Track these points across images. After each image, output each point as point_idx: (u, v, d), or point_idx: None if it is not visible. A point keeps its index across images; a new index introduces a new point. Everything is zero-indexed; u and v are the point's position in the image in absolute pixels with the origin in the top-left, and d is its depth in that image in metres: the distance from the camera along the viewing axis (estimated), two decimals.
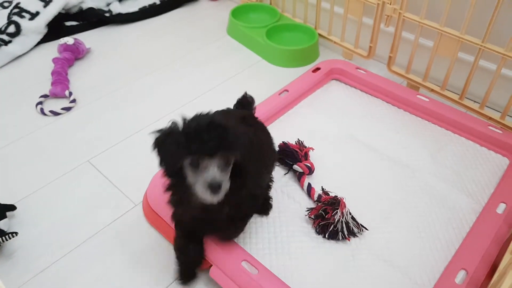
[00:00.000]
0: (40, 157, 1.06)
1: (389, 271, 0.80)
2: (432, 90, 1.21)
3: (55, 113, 1.17)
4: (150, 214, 0.90)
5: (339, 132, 1.11)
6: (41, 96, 1.21)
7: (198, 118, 0.64)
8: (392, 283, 0.79)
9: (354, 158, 1.04)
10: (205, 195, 0.62)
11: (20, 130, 1.13)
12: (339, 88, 1.28)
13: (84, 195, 0.97)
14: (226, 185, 0.63)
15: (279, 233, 0.86)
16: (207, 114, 0.66)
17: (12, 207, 0.90)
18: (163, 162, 0.64)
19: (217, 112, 0.78)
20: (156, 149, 0.64)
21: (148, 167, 0.88)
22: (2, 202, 0.90)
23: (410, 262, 0.82)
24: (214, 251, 0.78)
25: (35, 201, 0.95)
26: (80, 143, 1.10)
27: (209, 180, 0.61)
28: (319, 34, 1.45)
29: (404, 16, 1.16)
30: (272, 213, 0.91)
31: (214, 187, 0.61)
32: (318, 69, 1.28)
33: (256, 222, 0.88)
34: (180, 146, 0.61)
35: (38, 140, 1.11)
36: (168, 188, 0.71)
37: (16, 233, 0.83)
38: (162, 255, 0.85)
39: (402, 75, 1.26)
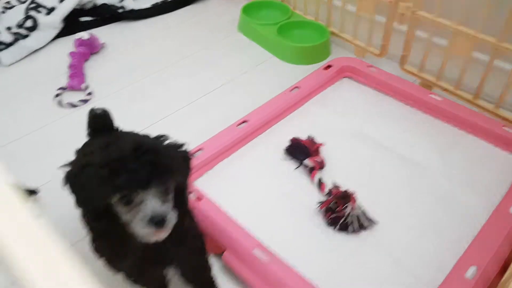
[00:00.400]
0: (58, 146, 1.09)
1: (396, 269, 0.81)
2: (446, 90, 1.21)
3: (72, 105, 1.20)
4: None
5: (350, 130, 1.12)
6: (59, 89, 1.24)
7: (119, 142, 0.53)
8: (399, 281, 0.79)
9: (365, 155, 1.05)
10: (148, 234, 0.52)
11: (39, 121, 1.16)
12: (350, 86, 1.29)
13: None
14: (172, 216, 0.53)
15: (291, 223, 0.88)
16: (127, 135, 0.58)
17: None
18: (82, 203, 0.54)
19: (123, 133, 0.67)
20: (69, 187, 0.54)
21: None
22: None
23: (417, 259, 0.82)
24: (227, 237, 0.80)
25: (56, 187, 0.97)
26: None
27: (150, 214, 0.50)
28: (331, 32, 1.46)
29: (417, 14, 1.17)
30: (283, 204, 0.92)
31: (158, 222, 0.51)
32: (329, 66, 1.29)
33: (267, 214, 0.90)
34: (102, 181, 0.50)
35: (56, 130, 1.13)
36: (96, 235, 0.60)
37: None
38: None
39: (415, 74, 1.27)
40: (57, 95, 1.21)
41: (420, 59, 1.23)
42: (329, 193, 0.91)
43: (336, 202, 0.87)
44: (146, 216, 0.50)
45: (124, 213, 0.52)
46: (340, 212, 0.86)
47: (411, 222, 0.89)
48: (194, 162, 0.95)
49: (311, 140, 1.03)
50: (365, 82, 1.28)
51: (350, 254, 0.83)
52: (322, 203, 0.89)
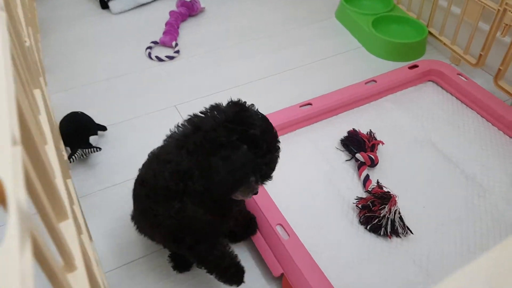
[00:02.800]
0: (138, 93, 1.20)
1: (421, 278, 0.78)
2: None
3: (160, 59, 1.30)
4: None
5: (418, 135, 1.07)
6: (152, 42, 1.36)
7: (249, 118, 0.60)
8: None
9: (425, 163, 1.00)
10: (252, 191, 0.65)
11: (128, 67, 1.28)
12: (433, 90, 1.21)
13: (163, 133, 1.08)
14: None
15: (322, 210, 0.88)
16: (245, 111, 0.61)
17: (103, 128, 1.05)
18: (230, 185, 0.60)
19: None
20: (222, 165, 0.57)
21: None
22: (97, 122, 1.05)
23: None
24: (253, 210, 0.83)
25: (124, 128, 1.09)
26: (173, 89, 1.22)
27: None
28: (430, 32, 1.38)
29: None
30: (323, 192, 0.92)
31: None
32: (415, 66, 1.23)
33: (304, 196, 0.91)
34: (248, 161, 0.58)
35: (140, 79, 1.25)
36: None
37: (100, 149, 0.98)
38: None
39: (509, 92, 1.15)
40: (148, 48, 1.33)
41: None
42: (371, 191, 0.89)
43: (374, 201, 0.85)
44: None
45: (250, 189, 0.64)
46: (375, 212, 0.84)
47: (453, 241, 0.84)
48: None
49: (370, 135, 1.01)
50: (450, 90, 1.20)
51: (374, 256, 0.81)
52: (360, 199, 0.88)
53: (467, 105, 1.15)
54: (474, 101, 1.14)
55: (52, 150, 0.46)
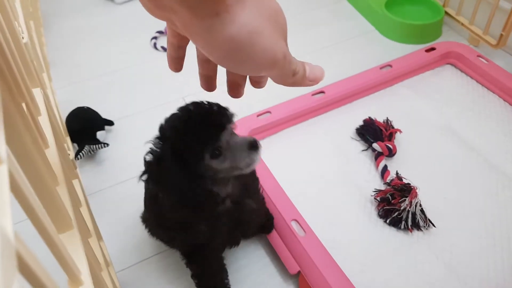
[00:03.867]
0: (145, 85, 1.17)
1: (444, 274, 0.74)
2: None
3: (165, 49, 1.26)
4: None
5: (437, 121, 1.02)
6: (157, 32, 1.32)
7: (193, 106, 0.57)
8: (442, 286, 0.73)
9: (445, 151, 0.95)
10: (252, 160, 0.56)
11: (133, 58, 1.25)
12: (452, 74, 1.16)
13: None
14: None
15: (339, 204, 0.85)
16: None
17: (110, 123, 1.02)
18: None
19: None
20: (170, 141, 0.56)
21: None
22: (103, 117, 1.02)
23: (472, 272, 0.74)
24: (268, 205, 0.80)
25: (131, 122, 1.06)
26: (179, 80, 1.18)
27: (247, 142, 0.55)
28: (446, 12, 1.32)
29: None
30: (338, 184, 0.89)
31: (255, 145, 0.55)
32: (432, 49, 1.17)
33: (319, 189, 0.87)
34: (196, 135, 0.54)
35: (146, 70, 1.21)
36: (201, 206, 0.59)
37: (108, 144, 0.95)
38: None
39: None
40: (153, 38, 1.29)
41: None
42: (390, 182, 0.85)
43: (393, 194, 0.81)
44: (245, 145, 0.55)
45: (219, 165, 0.56)
46: (395, 204, 0.80)
47: (477, 234, 0.80)
48: (259, 124, 0.96)
49: (387, 124, 0.97)
50: (470, 73, 1.14)
51: (394, 251, 0.78)
52: (379, 191, 0.84)
53: (488, 89, 1.09)
54: (496, 85, 1.08)
55: (55, 153, 0.43)
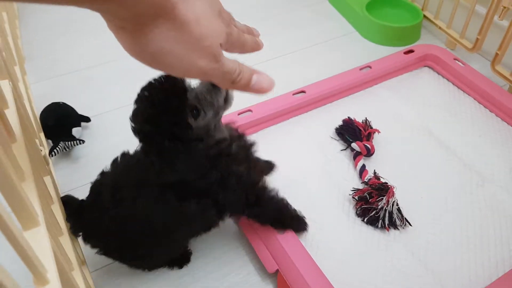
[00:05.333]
0: (123, 81, 1.15)
1: (420, 271, 0.75)
2: None
3: None
4: None
5: (414, 122, 1.04)
6: None
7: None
8: (420, 284, 0.74)
9: (422, 151, 0.97)
10: (223, 93, 0.59)
11: (112, 53, 1.22)
12: (429, 76, 1.18)
13: None
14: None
15: (318, 203, 0.85)
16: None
17: (87, 119, 1.00)
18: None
19: None
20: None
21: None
22: (80, 113, 0.99)
23: (447, 270, 0.75)
24: None
25: (108, 119, 1.04)
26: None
27: (204, 85, 0.58)
28: (424, 16, 1.34)
29: None
30: (318, 183, 0.89)
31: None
32: (411, 51, 1.19)
33: (298, 188, 0.87)
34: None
35: (126, 66, 1.19)
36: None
37: (83, 141, 0.93)
38: None
39: (506, 77, 1.12)
40: None
41: None
42: (368, 182, 0.86)
43: (371, 193, 0.82)
44: (208, 87, 0.57)
45: (207, 119, 0.58)
46: (373, 203, 0.81)
47: (452, 232, 0.81)
48: (240, 122, 0.95)
49: (366, 124, 0.97)
50: (446, 76, 1.16)
51: (371, 250, 0.78)
52: (357, 190, 0.85)
53: (464, 91, 1.11)
54: (471, 87, 1.10)
55: (22, 148, 0.41)
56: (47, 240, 0.36)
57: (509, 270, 0.74)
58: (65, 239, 0.54)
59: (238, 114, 0.97)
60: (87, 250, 0.77)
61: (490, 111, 1.06)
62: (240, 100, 0.98)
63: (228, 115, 0.97)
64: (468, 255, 0.78)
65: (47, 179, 0.57)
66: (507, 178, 0.91)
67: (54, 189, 0.62)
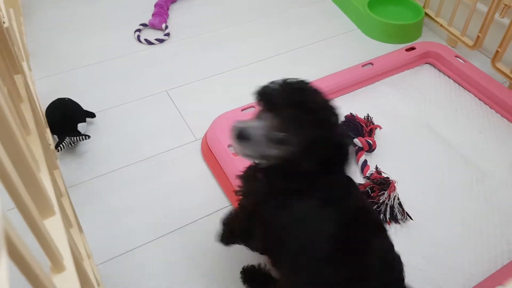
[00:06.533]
0: (127, 78, 1.16)
1: (421, 265, 0.77)
2: None
3: (149, 42, 1.26)
4: (206, 151, 0.95)
5: (415, 118, 1.05)
6: (141, 24, 1.31)
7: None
8: (420, 276, 0.75)
9: (423, 147, 0.98)
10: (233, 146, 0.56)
11: (116, 51, 1.23)
12: (431, 73, 1.19)
13: (154, 119, 1.05)
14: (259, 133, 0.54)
15: None
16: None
17: (92, 115, 1.01)
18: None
19: None
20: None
21: (217, 109, 0.97)
22: (85, 109, 1.01)
23: (448, 263, 0.77)
24: None
25: (113, 115, 1.05)
26: (163, 73, 1.18)
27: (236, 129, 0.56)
28: (426, 14, 1.35)
29: None
30: None
31: (239, 135, 0.55)
32: (412, 48, 1.20)
33: None
34: None
35: (129, 63, 1.20)
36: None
37: (89, 136, 0.94)
38: (208, 189, 0.90)
39: (507, 74, 1.13)
40: (137, 30, 1.28)
41: None
42: (369, 176, 0.87)
43: (373, 187, 0.83)
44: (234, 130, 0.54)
45: None
46: (374, 198, 0.82)
47: (452, 226, 0.83)
48: (243, 118, 0.96)
49: (367, 120, 0.98)
50: (447, 73, 1.17)
51: None
52: (359, 185, 0.86)
53: (465, 88, 1.13)
54: (472, 84, 1.12)
55: (37, 140, 0.43)
56: (62, 229, 0.37)
57: (508, 262, 0.75)
58: (74, 231, 0.55)
59: (242, 110, 0.98)
60: (93, 244, 0.78)
61: (490, 107, 1.08)
62: (243, 97, 0.99)
63: (232, 111, 0.98)
64: (468, 248, 0.79)
65: (56, 173, 0.58)
66: (506, 173, 0.92)
67: (62, 183, 0.64)
